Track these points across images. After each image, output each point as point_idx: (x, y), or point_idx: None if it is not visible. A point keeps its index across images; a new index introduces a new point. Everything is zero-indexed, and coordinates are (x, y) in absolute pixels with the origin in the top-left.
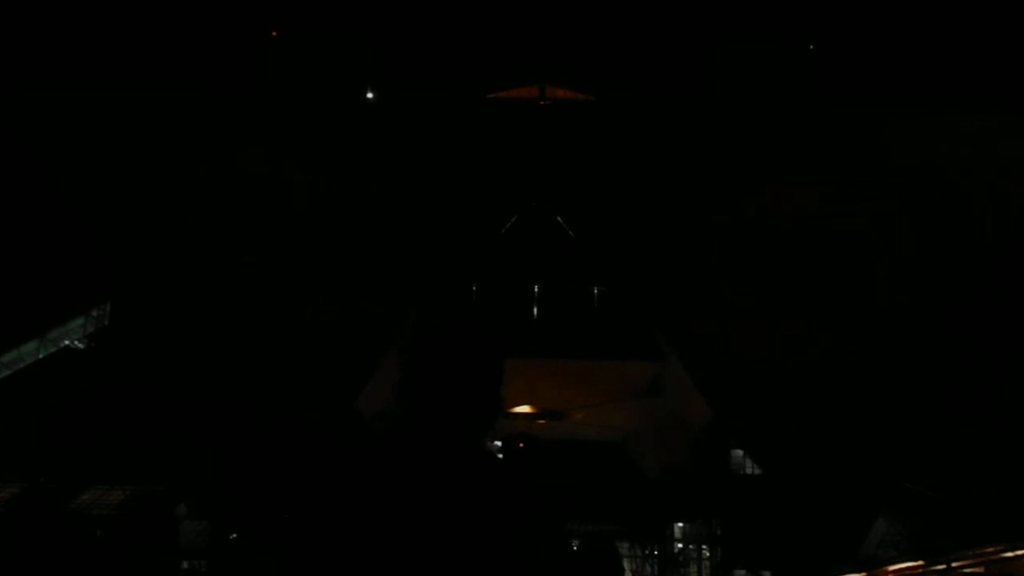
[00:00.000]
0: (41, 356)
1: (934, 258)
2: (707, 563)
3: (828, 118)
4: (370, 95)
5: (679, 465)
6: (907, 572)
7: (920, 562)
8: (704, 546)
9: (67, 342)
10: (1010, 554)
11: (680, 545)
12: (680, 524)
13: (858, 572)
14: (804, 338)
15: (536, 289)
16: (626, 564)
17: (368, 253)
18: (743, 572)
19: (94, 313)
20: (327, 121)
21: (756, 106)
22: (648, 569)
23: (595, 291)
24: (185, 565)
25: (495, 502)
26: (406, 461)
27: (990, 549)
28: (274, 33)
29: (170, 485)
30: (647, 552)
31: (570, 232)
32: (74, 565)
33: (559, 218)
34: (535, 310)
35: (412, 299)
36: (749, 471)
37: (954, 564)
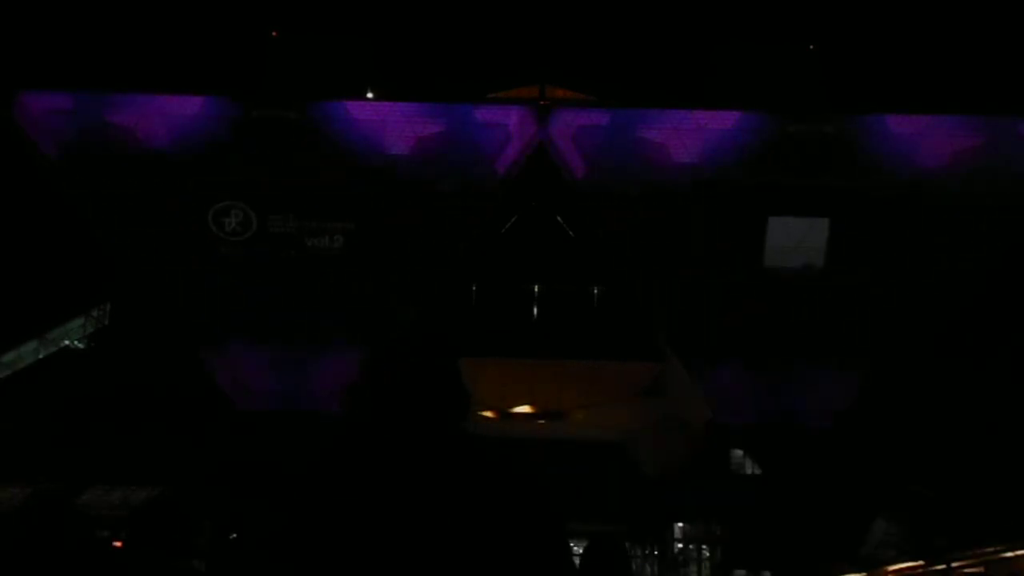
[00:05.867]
0: (41, 356)
1: (936, 259)
2: (707, 563)
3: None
4: (370, 95)
5: (679, 465)
6: (907, 572)
7: (920, 562)
8: (704, 546)
9: (67, 342)
10: (1010, 554)
11: (680, 545)
12: (680, 524)
13: (858, 572)
14: (803, 338)
15: (536, 289)
16: None
17: (367, 252)
18: (743, 572)
19: (94, 313)
20: (324, 122)
21: (755, 107)
22: (648, 569)
23: (595, 291)
24: None
25: (489, 490)
26: (393, 455)
27: (990, 549)
28: (274, 33)
29: (187, 487)
30: (647, 552)
31: (570, 232)
32: (85, 567)
33: (559, 218)
34: (535, 310)
35: (412, 299)
36: (749, 471)
37: (954, 564)
